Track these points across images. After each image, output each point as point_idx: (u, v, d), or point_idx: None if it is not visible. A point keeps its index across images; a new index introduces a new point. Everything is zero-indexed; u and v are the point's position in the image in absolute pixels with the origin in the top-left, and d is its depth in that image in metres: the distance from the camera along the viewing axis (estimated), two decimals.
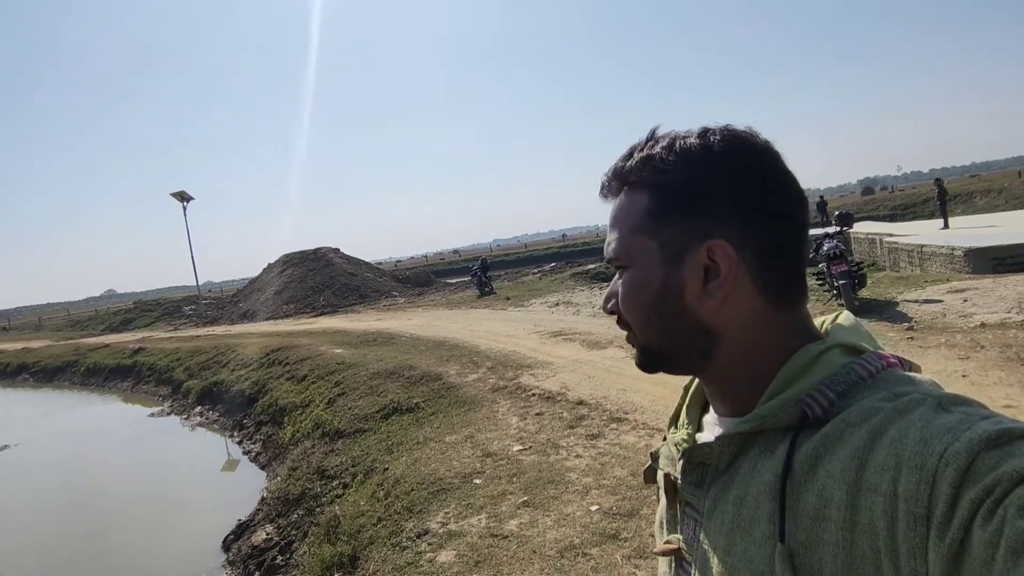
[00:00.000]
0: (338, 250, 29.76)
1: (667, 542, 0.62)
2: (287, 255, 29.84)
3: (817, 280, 8.37)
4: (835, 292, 7.76)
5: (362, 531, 3.90)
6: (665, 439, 0.67)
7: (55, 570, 6.23)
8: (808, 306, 0.59)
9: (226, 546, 5.92)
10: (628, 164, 0.60)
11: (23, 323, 53.77)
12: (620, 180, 0.61)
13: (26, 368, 22.60)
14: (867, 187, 61.04)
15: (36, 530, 7.40)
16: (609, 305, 0.62)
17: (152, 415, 12.95)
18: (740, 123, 0.59)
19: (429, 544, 3.31)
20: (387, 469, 4.96)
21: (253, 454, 8.86)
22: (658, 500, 0.68)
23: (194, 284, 34.37)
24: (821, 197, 24.44)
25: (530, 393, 6.21)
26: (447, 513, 3.65)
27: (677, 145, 0.58)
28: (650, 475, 0.69)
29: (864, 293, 7.86)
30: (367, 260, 31.71)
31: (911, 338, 5.81)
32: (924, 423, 0.45)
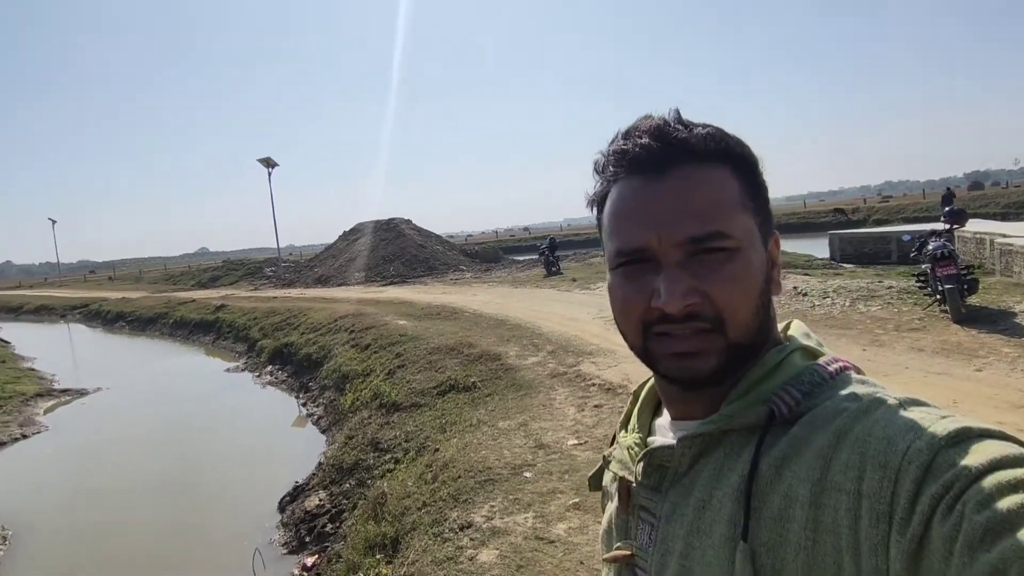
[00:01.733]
0: (410, 221, 30.26)
1: (618, 547, 0.61)
2: (361, 224, 30.63)
3: (918, 282, 7.57)
4: (938, 297, 6.98)
5: (406, 514, 3.81)
6: (614, 443, 0.67)
7: (126, 506, 6.62)
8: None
9: (282, 507, 6.06)
10: (710, 132, 0.54)
11: (125, 274, 58.52)
12: (689, 147, 0.53)
13: (123, 317, 24.48)
14: (976, 181, 55.66)
15: (114, 467, 7.91)
16: (696, 300, 0.52)
17: (228, 370, 13.62)
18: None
19: (471, 540, 3.16)
20: (438, 450, 4.87)
21: (315, 417, 9.10)
22: (603, 508, 0.68)
23: (275, 246, 36.02)
24: (948, 188, 20.87)
25: (590, 382, 5.96)
26: (493, 507, 3.49)
27: (728, 132, 0.56)
28: (595, 482, 0.69)
29: (973, 300, 7.03)
30: (438, 233, 32.08)
31: None
32: (887, 422, 0.46)
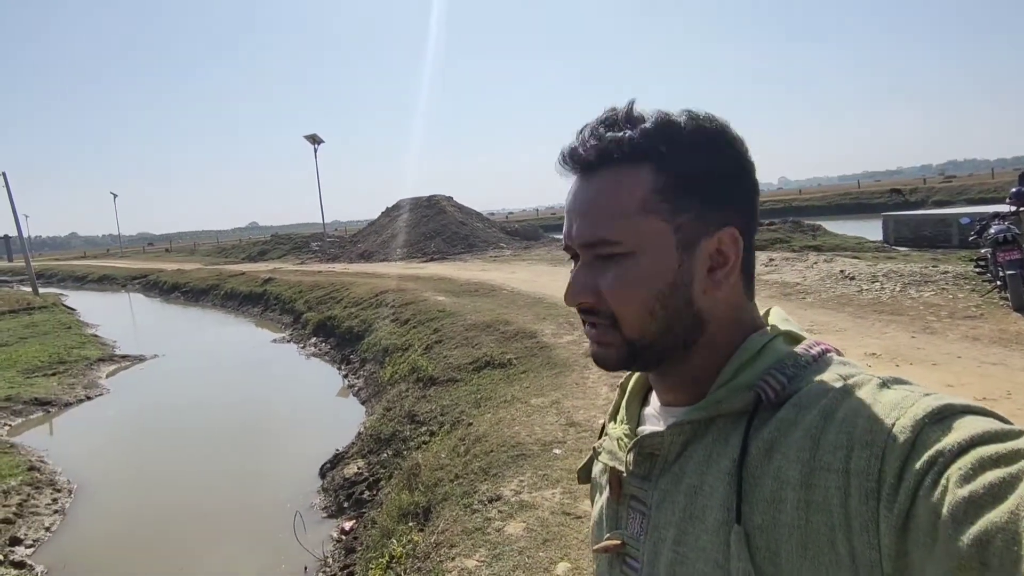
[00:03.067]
0: (451, 198, 30.41)
1: (609, 537, 0.62)
2: (403, 201, 30.96)
3: (976, 267, 7.21)
4: (999, 283, 6.64)
5: (439, 485, 3.92)
6: (603, 434, 0.68)
7: (178, 466, 7.00)
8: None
9: (322, 473, 6.30)
10: (624, 134, 0.54)
11: (181, 246, 61.04)
12: (605, 151, 0.55)
13: (179, 288, 25.56)
14: None
15: (168, 430, 8.36)
16: (587, 299, 0.56)
17: (274, 341, 14.10)
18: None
19: (500, 512, 3.23)
20: (471, 424, 4.96)
21: (356, 388, 9.36)
22: (591, 500, 0.69)
23: (321, 222, 36.82)
24: None
25: None
26: (522, 481, 3.55)
27: (685, 121, 0.55)
28: (584, 475, 0.71)
29: None
30: (478, 210, 32.15)
31: None
32: (872, 401, 0.47)
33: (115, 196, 66.81)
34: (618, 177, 0.55)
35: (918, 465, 0.42)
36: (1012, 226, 6.76)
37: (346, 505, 5.45)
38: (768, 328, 0.59)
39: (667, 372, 0.60)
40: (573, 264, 0.60)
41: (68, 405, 9.57)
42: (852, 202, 37.20)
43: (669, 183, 0.54)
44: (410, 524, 3.70)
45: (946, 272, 7.93)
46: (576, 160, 0.57)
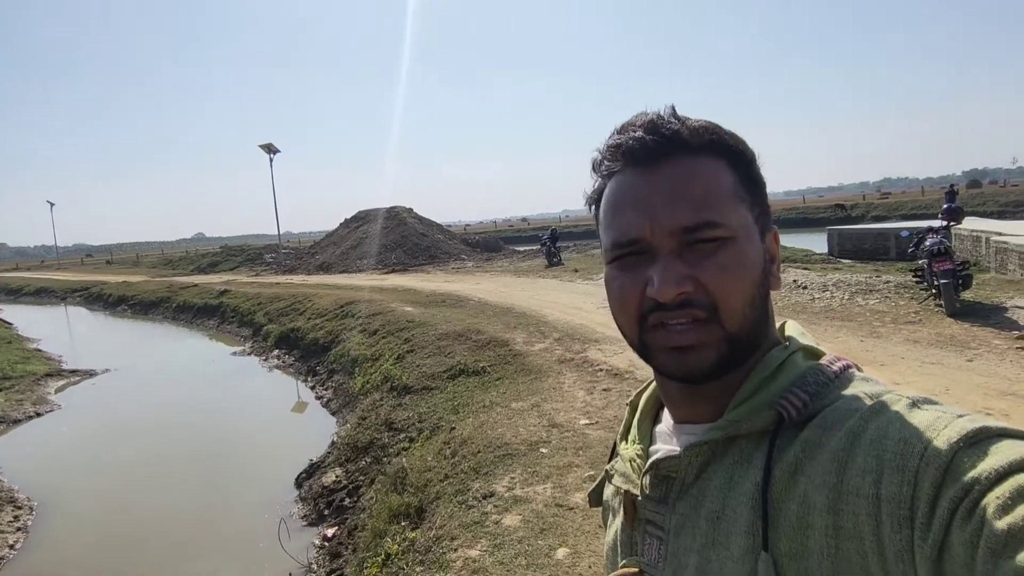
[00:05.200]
0: (411, 210, 30.37)
1: (624, 565, 0.59)
2: (362, 212, 30.73)
3: (914, 277, 7.82)
4: (934, 292, 7.23)
5: (429, 485, 4.04)
6: (613, 455, 0.65)
7: (143, 481, 6.83)
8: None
9: (298, 483, 6.28)
10: (699, 126, 0.55)
11: (122, 258, 58.53)
12: (680, 139, 0.54)
13: (126, 300, 24.57)
14: (974, 179, 56.01)
15: (129, 445, 8.11)
16: (688, 287, 0.51)
17: (234, 354, 13.79)
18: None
19: (495, 506, 3.39)
20: (453, 428, 5.09)
21: (325, 400, 9.30)
22: (603, 524, 0.67)
23: (275, 233, 36.10)
24: (952, 185, 19.48)
25: (597, 368, 6.18)
26: (512, 478, 3.71)
27: (727, 130, 0.57)
28: (595, 498, 0.68)
29: (967, 295, 7.28)
30: (438, 222, 32.21)
31: (1022, 348, 5.35)
32: (902, 422, 0.45)
33: (52, 205, 63.67)
34: (701, 167, 0.54)
35: (952, 492, 0.40)
36: (944, 239, 7.39)
37: (326, 513, 5.47)
38: (785, 343, 0.57)
39: (711, 383, 0.55)
40: (607, 267, 0.57)
41: (17, 422, 9.16)
42: (798, 216, 39.04)
43: (740, 179, 0.55)
44: (402, 524, 3.80)
45: (888, 282, 8.56)
46: (646, 147, 0.54)
